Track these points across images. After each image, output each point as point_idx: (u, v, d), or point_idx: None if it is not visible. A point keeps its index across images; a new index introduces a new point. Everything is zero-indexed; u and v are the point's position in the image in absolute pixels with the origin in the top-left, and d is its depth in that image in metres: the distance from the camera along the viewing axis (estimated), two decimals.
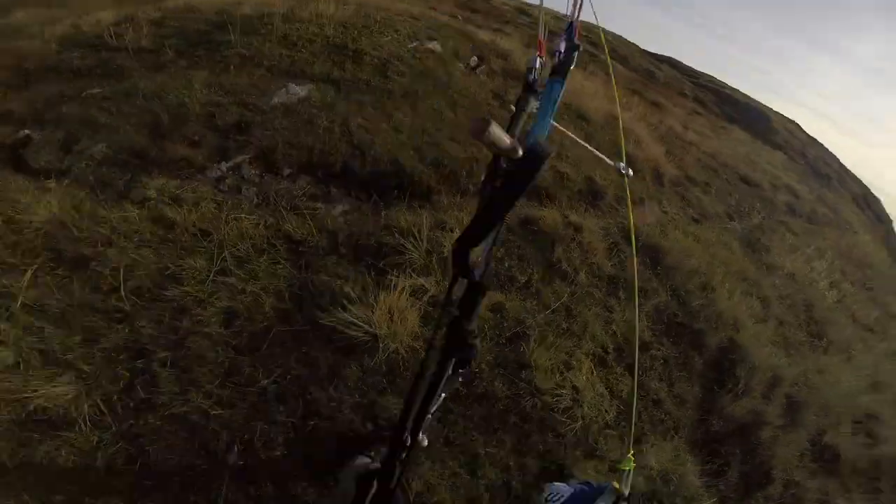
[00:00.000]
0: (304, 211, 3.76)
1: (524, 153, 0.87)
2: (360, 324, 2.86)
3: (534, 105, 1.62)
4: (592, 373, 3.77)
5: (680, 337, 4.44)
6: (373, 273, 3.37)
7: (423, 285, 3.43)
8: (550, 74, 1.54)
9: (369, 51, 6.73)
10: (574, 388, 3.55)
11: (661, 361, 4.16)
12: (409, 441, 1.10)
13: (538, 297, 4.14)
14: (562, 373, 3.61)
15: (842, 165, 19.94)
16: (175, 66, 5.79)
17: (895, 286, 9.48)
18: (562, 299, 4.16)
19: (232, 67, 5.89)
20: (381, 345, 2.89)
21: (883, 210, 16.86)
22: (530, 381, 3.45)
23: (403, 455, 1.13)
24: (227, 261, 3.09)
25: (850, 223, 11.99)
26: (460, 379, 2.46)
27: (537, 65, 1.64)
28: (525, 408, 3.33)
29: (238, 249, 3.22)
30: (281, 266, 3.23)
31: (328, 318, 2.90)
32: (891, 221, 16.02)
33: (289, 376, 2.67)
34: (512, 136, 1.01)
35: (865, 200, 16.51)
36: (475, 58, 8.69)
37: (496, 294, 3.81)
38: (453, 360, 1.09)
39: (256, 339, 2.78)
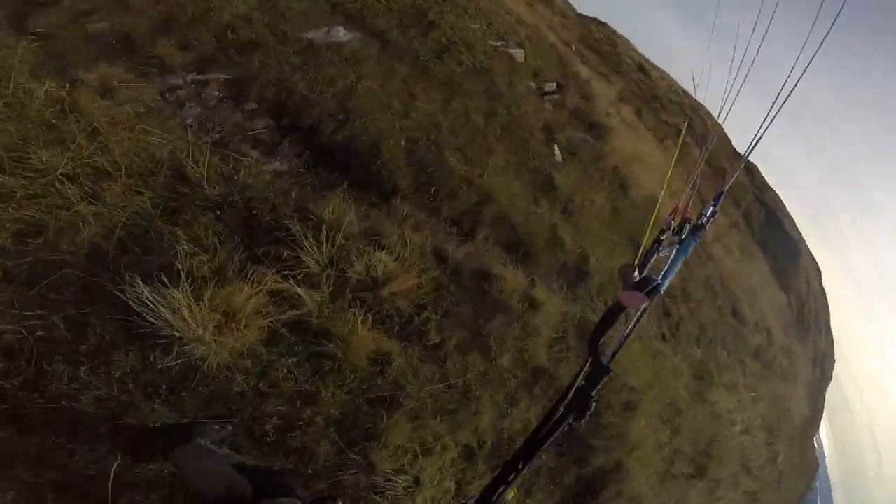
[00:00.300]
0: (229, 152, 3.08)
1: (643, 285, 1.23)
2: (154, 317, 2.16)
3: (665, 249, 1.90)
4: (451, 465, 3.14)
5: (570, 449, 3.87)
6: (241, 254, 2.63)
7: (297, 296, 2.68)
8: (691, 231, 1.60)
9: (445, 28, 6.10)
10: (416, 478, 2.88)
11: (534, 469, 3.57)
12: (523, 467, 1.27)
13: (442, 365, 3.43)
14: (413, 456, 2.93)
15: (828, 324, 19.26)
16: None
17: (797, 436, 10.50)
18: (466, 377, 3.46)
19: None
20: (183, 348, 2.21)
21: (832, 370, 17.86)
22: (366, 455, 2.75)
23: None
24: (85, 169, 2.47)
25: (797, 376, 12.54)
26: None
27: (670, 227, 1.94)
28: (342, 481, 2.68)
29: (111, 163, 2.58)
30: (140, 200, 2.55)
31: (129, 289, 2.18)
32: (830, 380, 17.61)
33: (39, 333, 2.02)
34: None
35: (823, 359, 16.85)
36: (554, 84, 7.80)
37: (390, 341, 3.17)
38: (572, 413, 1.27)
39: (40, 270, 2.17)
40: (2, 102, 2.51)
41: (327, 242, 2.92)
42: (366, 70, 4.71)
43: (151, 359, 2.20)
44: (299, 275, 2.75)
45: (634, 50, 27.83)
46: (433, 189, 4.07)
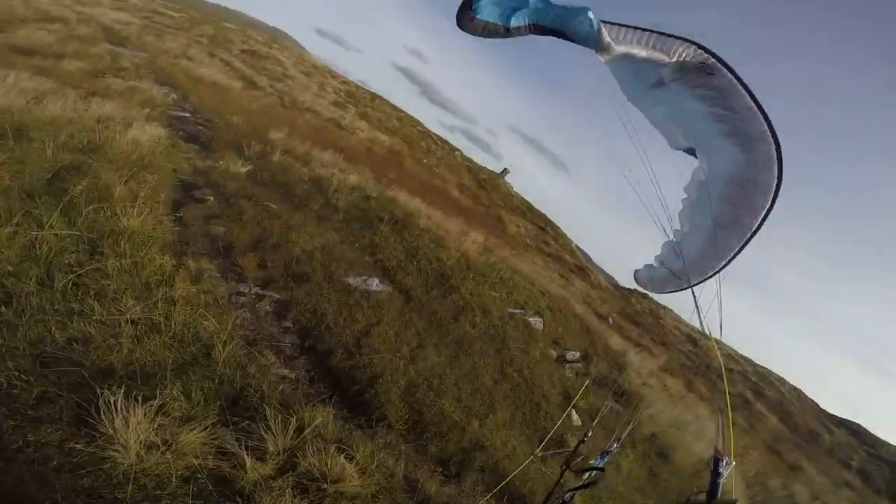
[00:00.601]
0: (254, 350, 3.84)
1: None
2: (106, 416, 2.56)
3: None
4: None
5: None
6: (215, 413, 3.04)
7: (242, 460, 2.81)
8: None
9: (464, 293, 7.25)
10: None
11: None
12: None
13: None
14: None
15: None
16: (334, 224, 7.50)
17: None
18: None
19: (357, 244, 7.25)
20: (107, 445, 2.49)
21: None
22: None
23: None
24: (146, 320, 3.41)
25: None
26: None
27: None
28: None
29: (166, 324, 3.42)
30: (166, 353, 3.23)
31: (108, 391, 2.62)
32: None
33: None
34: None
35: None
36: (577, 353, 8.41)
37: None
38: None
39: None
40: (130, 261, 3.66)
41: (295, 432, 3.12)
42: (387, 317, 5.60)
43: (73, 440, 2.45)
44: (255, 447, 2.92)
45: (681, 321, 28.98)
46: (422, 428, 4.23)
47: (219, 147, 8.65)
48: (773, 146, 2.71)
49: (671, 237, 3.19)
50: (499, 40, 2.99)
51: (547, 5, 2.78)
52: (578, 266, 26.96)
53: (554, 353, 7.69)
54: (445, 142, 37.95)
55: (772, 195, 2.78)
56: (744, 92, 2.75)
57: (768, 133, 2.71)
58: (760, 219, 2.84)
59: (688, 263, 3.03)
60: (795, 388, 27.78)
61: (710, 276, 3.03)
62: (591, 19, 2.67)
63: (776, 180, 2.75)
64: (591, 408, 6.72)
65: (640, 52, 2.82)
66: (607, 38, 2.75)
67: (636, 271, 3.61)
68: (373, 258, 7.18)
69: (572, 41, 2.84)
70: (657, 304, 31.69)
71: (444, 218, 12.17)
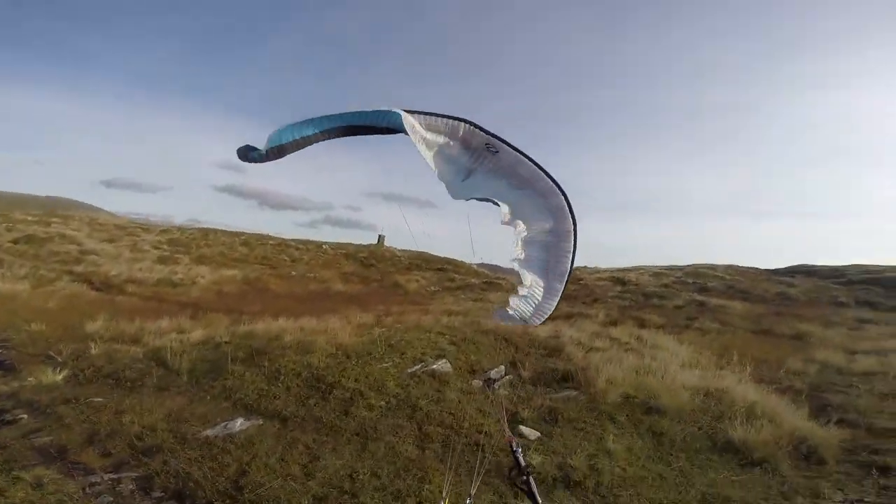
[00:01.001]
0: None
1: None
2: None
3: None
4: None
5: None
6: None
7: None
8: None
9: (345, 384, 6.43)
10: None
11: None
12: None
13: None
14: None
15: None
16: (179, 389, 6.75)
17: None
18: None
19: (208, 396, 6.51)
20: None
21: None
22: None
23: None
24: None
25: None
26: None
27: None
28: None
29: None
30: None
31: None
32: None
33: None
34: None
35: None
36: (501, 368, 7.80)
37: None
38: None
39: None
40: None
41: None
42: (261, 449, 4.90)
43: None
44: None
45: (598, 270, 31.02)
46: None
47: (24, 363, 7.86)
48: (563, 198, 3.48)
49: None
50: None
51: (360, 113, 3.53)
52: (487, 282, 27.41)
53: (478, 382, 7.09)
54: (309, 241, 37.09)
55: (573, 239, 3.57)
56: (524, 159, 3.51)
57: (556, 190, 3.48)
58: (570, 260, 3.62)
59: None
60: (730, 266, 30.52)
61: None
62: (397, 112, 3.38)
63: (573, 226, 3.55)
64: (543, 410, 6.17)
65: (434, 136, 3.58)
66: (410, 119, 3.41)
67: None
68: (230, 401, 6.36)
69: (387, 130, 3.58)
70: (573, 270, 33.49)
71: (320, 321, 11.34)
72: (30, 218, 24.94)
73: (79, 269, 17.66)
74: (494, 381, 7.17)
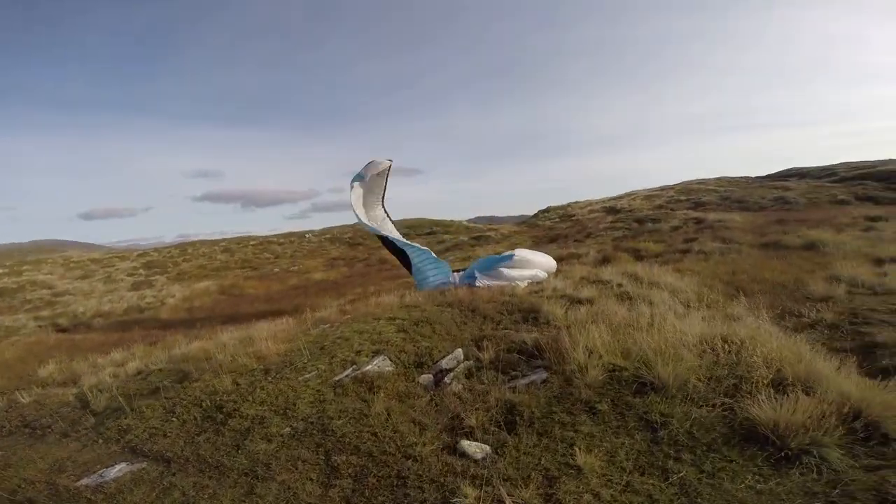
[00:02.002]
0: None
1: None
2: None
3: None
4: None
5: None
6: None
7: None
8: None
9: (245, 410, 5.04)
10: None
11: None
12: None
13: None
14: None
15: None
16: (80, 433, 5.74)
17: None
18: None
19: (100, 440, 5.42)
20: None
21: None
22: None
23: None
24: None
25: None
26: None
27: None
28: None
29: None
30: None
31: None
32: None
33: None
34: None
35: None
36: (458, 351, 5.66)
37: None
38: None
39: None
40: None
41: None
42: (130, 500, 3.92)
43: None
44: None
45: (591, 202, 29.02)
46: None
47: None
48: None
49: None
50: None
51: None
52: (476, 237, 25.70)
53: (426, 378, 5.47)
54: (292, 234, 35.48)
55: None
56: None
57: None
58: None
59: None
60: (721, 178, 28.40)
61: None
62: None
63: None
64: (498, 410, 4.53)
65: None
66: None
67: None
68: (120, 444, 5.13)
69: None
70: (563, 206, 31.58)
71: (271, 323, 9.87)
72: (0, 270, 23.61)
73: (45, 313, 16.35)
74: (447, 372, 5.55)
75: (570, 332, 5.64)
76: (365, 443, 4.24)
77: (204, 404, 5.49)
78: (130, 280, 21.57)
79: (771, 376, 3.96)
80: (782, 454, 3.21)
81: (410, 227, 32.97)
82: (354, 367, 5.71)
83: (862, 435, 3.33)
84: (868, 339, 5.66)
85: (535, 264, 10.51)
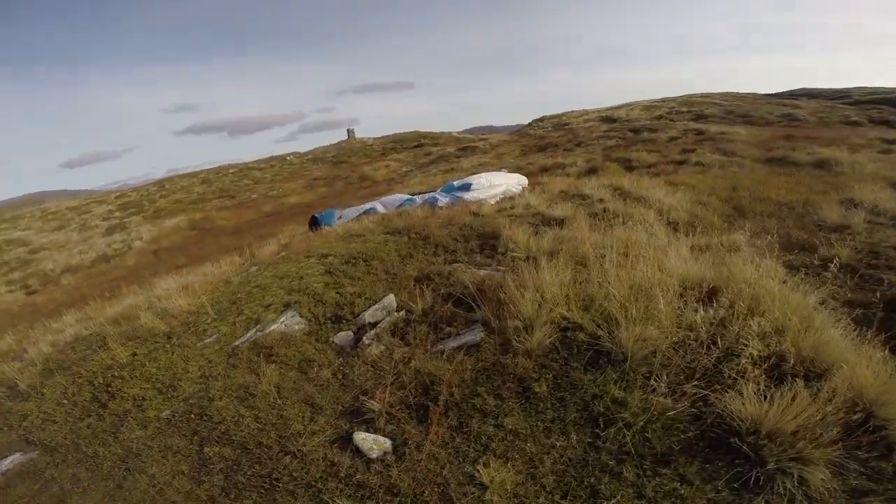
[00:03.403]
0: None
1: None
2: None
3: None
4: None
5: None
6: None
7: None
8: None
9: (128, 390, 4.21)
10: None
11: None
12: None
13: None
14: None
15: None
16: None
17: None
18: None
19: (4, 427, 4.47)
20: None
21: None
22: None
23: None
24: None
25: None
26: None
27: None
28: None
29: None
30: None
31: None
32: None
33: None
34: None
35: None
36: (388, 300, 4.66)
37: None
38: None
39: None
40: None
41: None
42: (11, 495, 3.34)
43: None
44: None
45: (587, 112, 26.49)
46: None
47: None
48: None
49: None
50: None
51: None
52: (462, 148, 23.63)
53: (345, 336, 4.41)
54: (273, 157, 33.46)
55: None
56: None
57: None
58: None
59: None
60: (727, 93, 25.49)
61: None
62: None
63: None
64: (414, 387, 3.49)
65: None
66: None
67: None
68: (18, 432, 4.30)
69: None
70: (557, 115, 28.77)
71: (215, 266, 8.79)
72: None
73: (16, 275, 15.48)
74: (370, 327, 4.45)
75: (517, 272, 4.39)
76: (242, 431, 3.39)
77: (96, 382, 4.58)
78: (105, 225, 20.36)
79: (766, 352, 2.73)
80: (754, 474, 2.12)
81: (398, 141, 30.63)
82: (258, 327, 4.64)
83: (864, 444, 2.19)
84: (893, 286, 4.34)
85: (497, 188, 8.99)
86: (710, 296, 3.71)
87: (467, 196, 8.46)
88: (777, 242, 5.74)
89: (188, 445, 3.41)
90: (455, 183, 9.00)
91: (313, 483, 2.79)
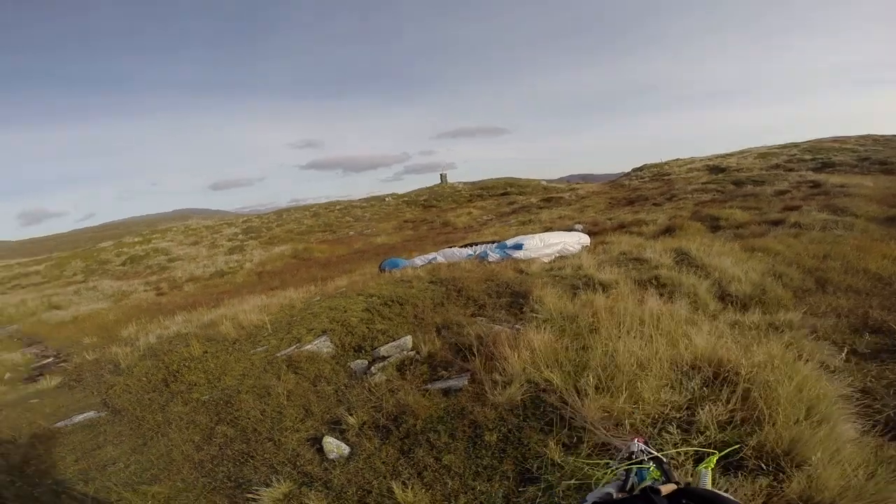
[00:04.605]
0: None
1: None
2: None
3: None
4: None
5: None
6: None
7: None
8: None
9: (188, 376, 5.48)
10: None
11: None
12: None
13: None
14: None
15: None
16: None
17: None
18: None
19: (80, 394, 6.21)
20: None
21: None
22: None
23: None
24: None
25: None
26: None
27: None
28: None
29: None
30: None
31: None
32: None
33: None
34: None
35: None
36: (406, 340, 5.22)
37: None
38: None
39: None
40: None
41: None
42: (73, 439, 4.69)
43: None
44: None
45: (694, 160, 24.63)
46: None
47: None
48: None
49: None
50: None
51: None
52: (546, 199, 23.91)
53: (360, 363, 5.17)
54: (374, 197, 37.24)
55: None
56: None
57: None
58: None
59: None
60: (866, 136, 22.16)
61: None
62: None
63: None
64: (385, 413, 4.05)
65: None
66: None
67: None
68: (100, 397, 5.93)
69: None
70: (659, 164, 27.53)
71: (294, 291, 10.42)
72: (136, 239, 29.01)
73: (153, 278, 19.71)
74: (382, 360, 5.18)
75: (517, 332, 4.77)
76: (249, 418, 4.34)
77: (171, 367, 6.04)
78: (229, 245, 24.83)
79: (730, 438, 2.76)
80: None
81: (485, 188, 32.05)
82: (297, 344, 5.66)
83: None
84: None
85: (553, 247, 9.26)
86: (715, 377, 3.70)
87: (518, 254, 8.91)
88: (848, 323, 5.20)
89: (207, 422, 4.50)
90: (508, 242, 9.54)
91: (275, 465, 3.60)
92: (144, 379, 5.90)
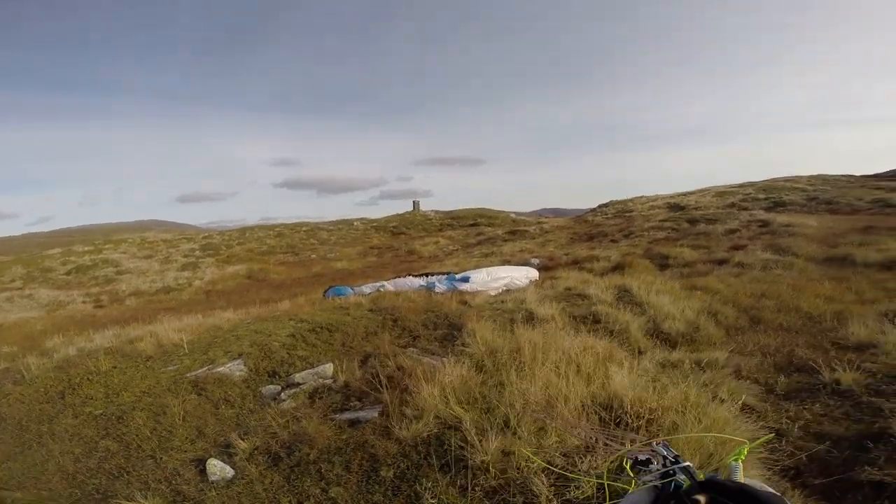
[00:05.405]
0: None
1: None
2: None
3: None
4: None
5: None
6: None
7: None
8: None
9: (86, 389, 5.11)
10: None
11: None
12: None
13: None
14: None
15: None
16: None
17: None
18: None
19: None
20: None
21: None
22: None
23: None
24: None
25: None
26: None
27: None
28: None
29: None
30: None
31: None
32: None
33: None
34: None
35: None
36: (326, 367, 5.10)
37: None
38: None
39: None
40: None
41: None
42: None
43: None
44: None
45: (657, 197, 25.82)
46: None
47: None
48: None
49: None
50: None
51: None
52: (511, 231, 24.39)
53: (272, 389, 4.99)
54: (342, 221, 37.04)
55: None
56: None
57: None
58: None
59: None
60: (817, 175, 23.79)
61: None
62: None
63: None
64: (280, 440, 3.87)
65: None
66: None
67: None
68: None
69: None
70: (623, 201, 28.67)
71: (233, 312, 10.10)
72: (86, 248, 27.69)
73: (94, 290, 18.73)
74: (296, 386, 5.01)
75: (437, 365, 4.74)
76: (135, 435, 4.15)
77: (74, 380, 5.70)
78: (183, 261, 23.95)
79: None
80: None
81: (456, 218, 32.43)
82: (210, 366, 5.41)
83: None
84: (880, 423, 3.87)
85: (499, 280, 9.45)
86: (619, 417, 3.73)
87: (464, 286, 8.99)
88: (773, 361, 5.40)
89: (93, 436, 4.26)
90: (456, 275, 9.63)
91: (150, 482, 3.42)
92: (42, 390, 5.50)
